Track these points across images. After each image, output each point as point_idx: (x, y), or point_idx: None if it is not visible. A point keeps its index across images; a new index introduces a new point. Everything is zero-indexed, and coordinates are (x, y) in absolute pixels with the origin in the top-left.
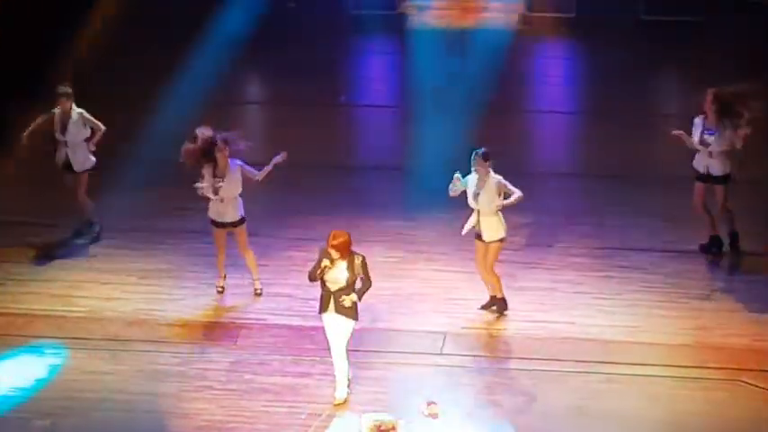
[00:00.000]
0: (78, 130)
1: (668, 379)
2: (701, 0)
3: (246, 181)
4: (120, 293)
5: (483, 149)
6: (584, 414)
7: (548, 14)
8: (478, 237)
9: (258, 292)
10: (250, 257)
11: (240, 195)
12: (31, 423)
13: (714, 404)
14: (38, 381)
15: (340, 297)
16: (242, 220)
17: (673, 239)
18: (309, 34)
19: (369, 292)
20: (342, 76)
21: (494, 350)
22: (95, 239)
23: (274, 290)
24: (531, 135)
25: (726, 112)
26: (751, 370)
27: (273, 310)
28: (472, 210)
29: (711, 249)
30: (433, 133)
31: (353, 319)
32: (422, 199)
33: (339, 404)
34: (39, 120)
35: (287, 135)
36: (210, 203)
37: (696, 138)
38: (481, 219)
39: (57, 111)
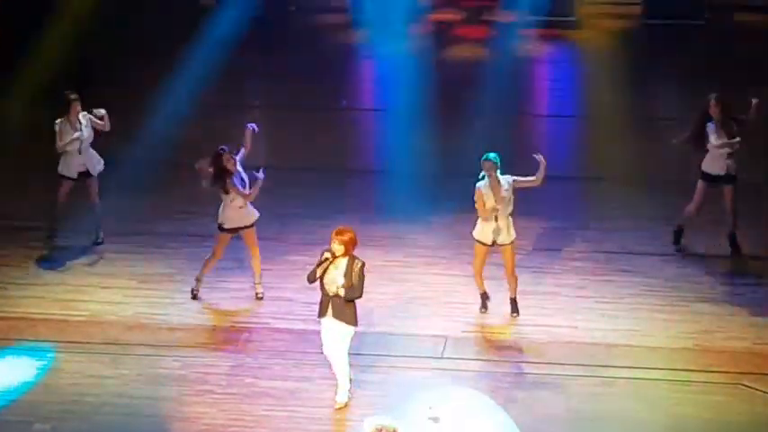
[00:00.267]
0: (90, 132)
1: (669, 382)
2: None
3: None
4: (121, 297)
5: (491, 153)
6: (585, 417)
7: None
8: (493, 243)
9: (260, 296)
10: (258, 256)
11: None
12: (31, 427)
13: (715, 407)
14: (38, 385)
15: (336, 301)
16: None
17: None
18: (309, 37)
19: (365, 296)
20: (342, 79)
21: (495, 354)
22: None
23: (276, 294)
24: (532, 138)
25: (730, 115)
26: (752, 373)
27: (275, 314)
28: (473, 213)
29: (681, 240)
30: (435, 137)
31: (352, 325)
32: (422, 203)
33: (340, 408)
34: (63, 128)
35: (287, 138)
36: (231, 212)
37: (718, 141)
38: (499, 221)
39: (74, 116)
